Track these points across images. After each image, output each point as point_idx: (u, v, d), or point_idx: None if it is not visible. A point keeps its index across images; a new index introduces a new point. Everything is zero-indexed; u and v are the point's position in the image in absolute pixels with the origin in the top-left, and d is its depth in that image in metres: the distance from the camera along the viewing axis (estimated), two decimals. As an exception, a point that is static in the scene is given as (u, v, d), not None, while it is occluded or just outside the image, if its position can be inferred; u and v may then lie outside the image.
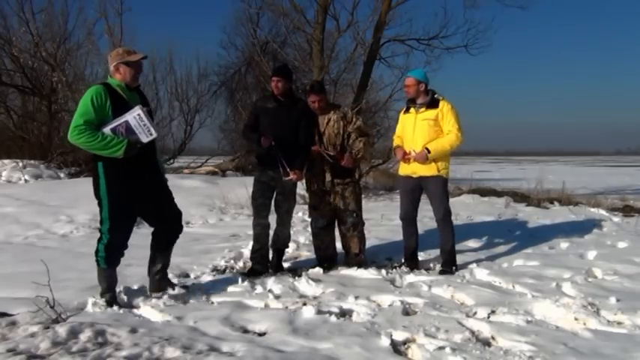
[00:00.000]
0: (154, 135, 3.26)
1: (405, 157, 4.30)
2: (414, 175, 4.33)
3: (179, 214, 3.64)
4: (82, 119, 3.11)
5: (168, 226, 3.59)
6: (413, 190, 4.41)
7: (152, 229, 3.65)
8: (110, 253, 3.34)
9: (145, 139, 3.23)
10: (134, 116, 3.18)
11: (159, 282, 3.59)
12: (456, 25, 14.12)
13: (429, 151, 4.17)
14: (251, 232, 4.41)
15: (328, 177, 4.35)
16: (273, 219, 4.37)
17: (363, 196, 4.79)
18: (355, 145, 4.33)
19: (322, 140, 4.36)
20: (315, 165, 4.38)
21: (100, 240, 3.33)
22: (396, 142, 4.52)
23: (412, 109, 4.35)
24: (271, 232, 4.38)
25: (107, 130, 3.15)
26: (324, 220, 4.47)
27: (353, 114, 4.56)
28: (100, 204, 3.30)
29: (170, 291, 3.56)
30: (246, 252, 4.70)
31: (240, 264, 4.62)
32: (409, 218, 4.47)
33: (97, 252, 3.34)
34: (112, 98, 3.19)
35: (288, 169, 4.08)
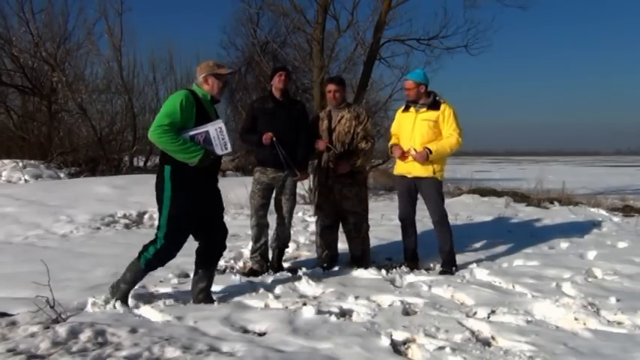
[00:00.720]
0: (229, 150, 3.29)
1: (404, 156, 4.29)
2: (409, 175, 4.33)
3: (226, 232, 3.55)
4: (167, 119, 3.10)
5: (215, 243, 3.48)
6: (409, 190, 4.41)
7: (195, 244, 3.53)
8: (157, 258, 3.28)
9: (219, 151, 3.25)
10: (215, 128, 3.22)
11: (201, 301, 3.41)
12: (456, 25, 14.13)
13: (430, 152, 4.16)
14: (251, 232, 4.41)
15: (332, 174, 4.35)
16: (271, 219, 4.37)
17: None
18: (360, 146, 4.33)
19: (331, 137, 4.34)
20: (320, 163, 4.38)
21: (153, 242, 3.27)
22: (392, 140, 4.51)
23: (412, 109, 4.35)
24: (270, 232, 4.38)
25: (187, 135, 3.16)
26: (329, 220, 4.47)
27: (365, 115, 4.54)
28: (160, 208, 3.26)
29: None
30: (246, 252, 4.71)
31: (240, 264, 4.62)
32: (408, 218, 4.47)
33: (145, 250, 3.28)
34: (197, 106, 3.23)
35: (294, 169, 4.08)
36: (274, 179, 4.20)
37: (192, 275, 3.85)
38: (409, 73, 4.60)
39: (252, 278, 4.00)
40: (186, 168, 3.17)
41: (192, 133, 3.18)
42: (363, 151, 4.34)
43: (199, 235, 3.45)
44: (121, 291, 3.28)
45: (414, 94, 4.28)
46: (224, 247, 3.58)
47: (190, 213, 3.27)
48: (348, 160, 4.31)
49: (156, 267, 3.38)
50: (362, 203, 4.46)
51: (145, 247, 3.31)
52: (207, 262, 3.47)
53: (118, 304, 3.23)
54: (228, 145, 3.25)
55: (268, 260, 4.35)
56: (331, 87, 4.38)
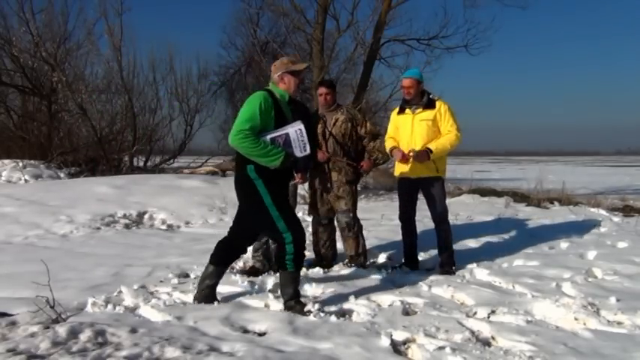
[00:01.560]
0: (308, 152, 3.25)
1: (405, 158, 4.28)
2: (412, 176, 4.32)
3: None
4: (248, 124, 3.05)
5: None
6: (411, 191, 4.41)
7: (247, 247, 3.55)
8: (297, 250, 3.20)
9: (299, 153, 3.21)
10: (295, 130, 3.17)
11: (290, 309, 3.23)
12: (456, 25, 14.13)
13: (430, 151, 4.16)
14: None
15: (335, 177, 4.36)
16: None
17: (362, 196, 4.80)
18: (373, 148, 4.41)
19: (328, 141, 4.35)
20: (319, 165, 4.38)
21: (283, 243, 3.19)
22: (389, 143, 4.46)
23: (408, 110, 4.34)
24: None
25: (267, 138, 3.12)
26: (324, 219, 4.47)
27: (362, 116, 4.58)
28: (261, 209, 3.18)
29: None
30: (247, 252, 4.70)
31: (240, 264, 4.61)
32: (408, 219, 4.47)
33: (283, 256, 3.20)
34: (275, 107, 3.18)
35: (294, 172, 4.08)
36: None
37: (192, 275, 3.84)
38: (405, 72, 4.61)
39: (252, 278, 4.00)
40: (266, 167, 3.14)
41: (272, 135, 3.13)
42: (376, 148, 4.43)
43: (252, 235, 3.46)
44: (293, 304, 3.20)
45: (415, 92, 4.28)
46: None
47: (287, 198, 3.29)
48: (369, 159, 4.40)
49: (302, 258, 3.30)
50: (354, 204, 4.46)
51: (282, 252, 3.21)
52: (230, 258, 3.50)
53: (296, 308, 3.16)
54: (308, 147, 3.21)
55: (271, 260, 4.34)
56: (322, 90, 4.40)
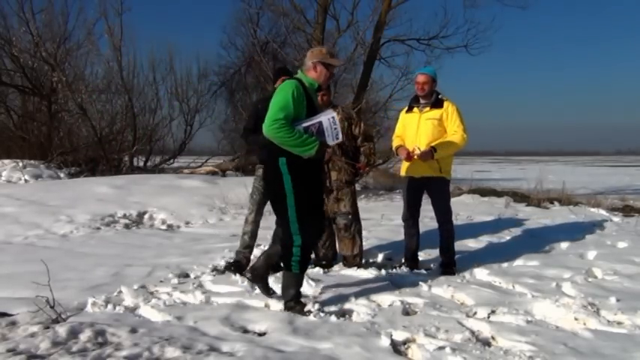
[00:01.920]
0: (340, 140, 3.24)
1: (410, 156, 4.28)
2: (417, 176, 4.31)
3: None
4: (282, 113, 3.00)
5: (320, 232, 3.43)
6: (415, 191, 4.40)
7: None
8: (304, 254, 3.19)
9: (331, 142, 3.19)
10: (328, 118, 3.15)
11: (290, 309, 3.24)
12: (456, 25, 14.12)
13: (435, 150, 4.15)
14: (245, 228, 4.37)
15: (334, 176, 4.36)
16: (270, 219, 4.37)
17: (362, 196, 4.81)
18: (366, 149, 4.41)
19: None
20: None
21: (291, 244, 3.17)
22: (396, 142, 4.48)
23: (415, 109, 4.34)
24: (265, 232, 4.36)
25: (300, 127, 3.09)
26: (325, 220, 4.47)
27: (357, 117, 4.59)
28: (283, 205, 3.16)
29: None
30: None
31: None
32: (412, 219, 4.46)
33: (290, 257, 3.18)
34: (306, 96, 3.15)
35: None
36: None
37: (192, 275, 3.84)
38: (421, 68, 4.62)
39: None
40: (299, 158, 3.09)
41: (305, 124, 3.10)
42: (371, 150, 4.44)
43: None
44: (293, 305, 3.21)
45: (429, 88, 4.26)
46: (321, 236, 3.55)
47: (314, 198, 3.23)
48: (360, 160, 4.41)
49: (308, 262, 3.30)
50: (353, 204, 4.45)
51: (288, 252, 3.20)
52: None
53: (297, 309, 3.17)
54: (340, 135, 3.20)
55: (249, 262, 4.28)
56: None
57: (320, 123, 3.13)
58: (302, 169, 3.12)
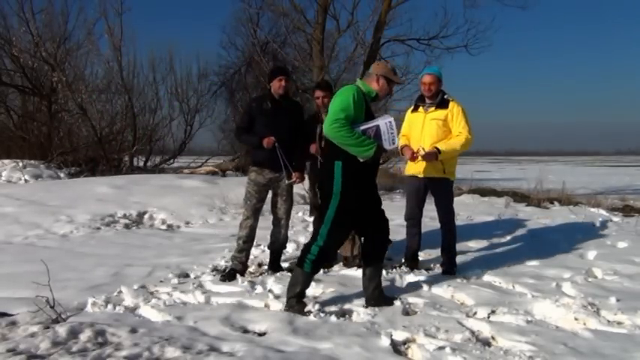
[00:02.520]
0: (396, 145, 3.31)
1: (414, 156, 4.27)
2: (421, 176, 4.31)
3: (388, 224, 3.51)
4: (343, 113, 3.07)
5: (383, 237, 3.43)
6: (419, 191, 4.39)
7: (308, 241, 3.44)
8: (321, 257, 3.22)
9: (387, 146, 3.24)
10: (385, 122, 3.20)
11: (379, 297, 3.36)
12: (456, 25, 14.08)
13: (439, 151, 4.14)
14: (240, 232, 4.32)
15: None
16: (268, 220, 4.37)
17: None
18: None
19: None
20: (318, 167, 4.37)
21: (314, 241, 3.22)
22: (402, 141, 4.45)
23: (421, 108, 4.33)
24: (262, 232, 4.35)
25: (358, 129, 3.14)
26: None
27: None
28: (326, 204, 3.21)
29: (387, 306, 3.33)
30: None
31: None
32: (414, 219, 4.45)
33: (306, 253, 3.22)
34: (364, 102, 3.22)
35: (292, 172, 4.08)
36: (271, 180, 4.17)
37: (192, 275, 3.84)
38: (426, 68, 4.61)
39: (252, 278, 3.99)
40: (356, 163, 3.14)
41: (363, 127, 3.16)
42: None
43: (368, 231, 3.42)
44: (294, 304, 3.21)
45: (435, 89, 4.25)
46: (390, 242, 3.56)
47: (358, 208, 3.25)
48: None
49: (319, 267, 3.34)
50: None
51: (307, 249, 3.24)
52: (377, 259, 3.44)
53: (297, 308, 3.19)
54: (396, 140, 3.25)
55: (247, 265, 4.27)
56: (319, 93, 4.38)
57: (377, 127, 3.18)
58: (355, 177, 3.18)
